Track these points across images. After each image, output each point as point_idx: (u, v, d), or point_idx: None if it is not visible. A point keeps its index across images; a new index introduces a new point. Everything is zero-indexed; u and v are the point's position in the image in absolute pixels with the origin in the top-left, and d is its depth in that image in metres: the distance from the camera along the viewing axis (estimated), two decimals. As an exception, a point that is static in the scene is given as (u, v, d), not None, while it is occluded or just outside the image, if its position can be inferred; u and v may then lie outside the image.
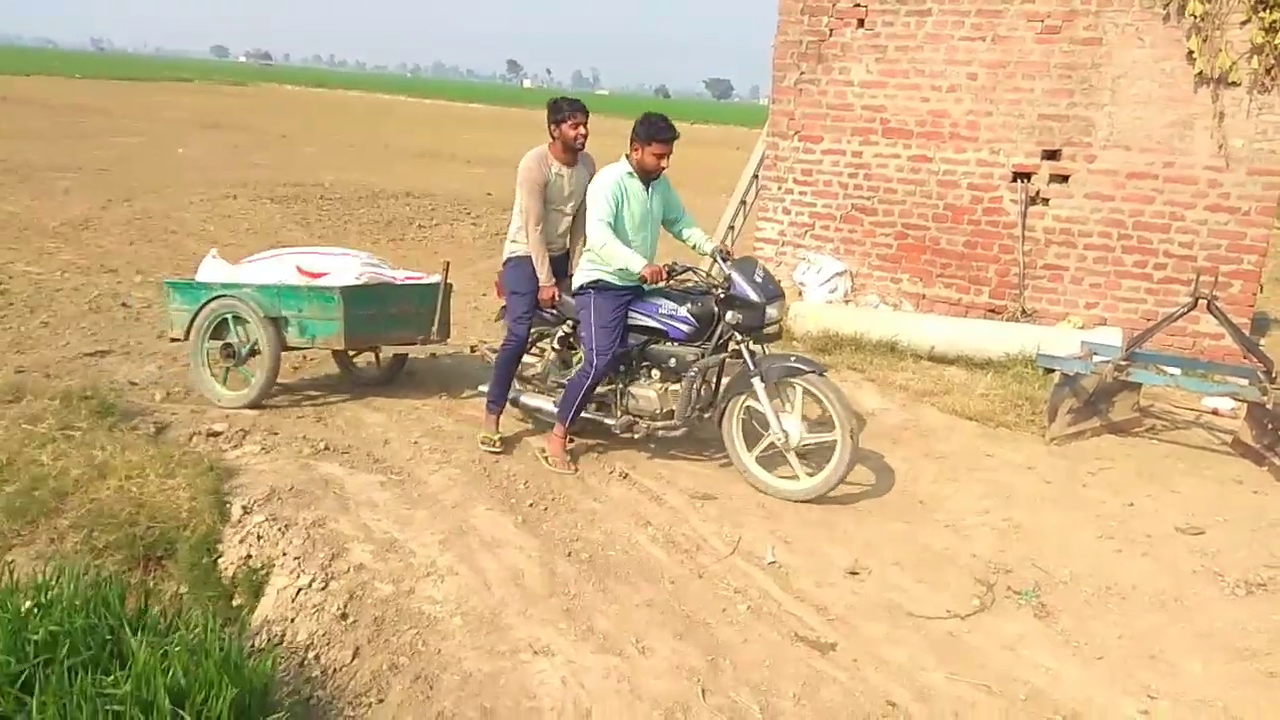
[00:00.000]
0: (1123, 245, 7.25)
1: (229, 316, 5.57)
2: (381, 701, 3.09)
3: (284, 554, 3.78)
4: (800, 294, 8.26)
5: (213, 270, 5.96)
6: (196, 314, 5.64)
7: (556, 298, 5.07)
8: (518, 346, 5.15)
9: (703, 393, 4.94)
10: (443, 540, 3.96)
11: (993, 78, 7.47)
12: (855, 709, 3.11)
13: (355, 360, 6.38)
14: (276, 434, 5.00)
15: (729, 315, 4.74)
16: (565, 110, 5.03)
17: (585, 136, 5.07)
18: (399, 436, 5.15)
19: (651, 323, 4.91)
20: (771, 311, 4.73)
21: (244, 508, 4.05)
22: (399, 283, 5.83)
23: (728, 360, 4.94)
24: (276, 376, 5.55)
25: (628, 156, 4.85)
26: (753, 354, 4.75)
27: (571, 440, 5.10)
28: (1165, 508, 4.79)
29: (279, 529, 3.92)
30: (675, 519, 4.42)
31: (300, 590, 3.60)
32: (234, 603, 3.77)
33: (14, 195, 12.99)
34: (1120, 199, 7.19)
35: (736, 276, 4.72)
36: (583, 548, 4.05)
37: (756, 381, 4.67)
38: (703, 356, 4.83)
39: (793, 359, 4.77)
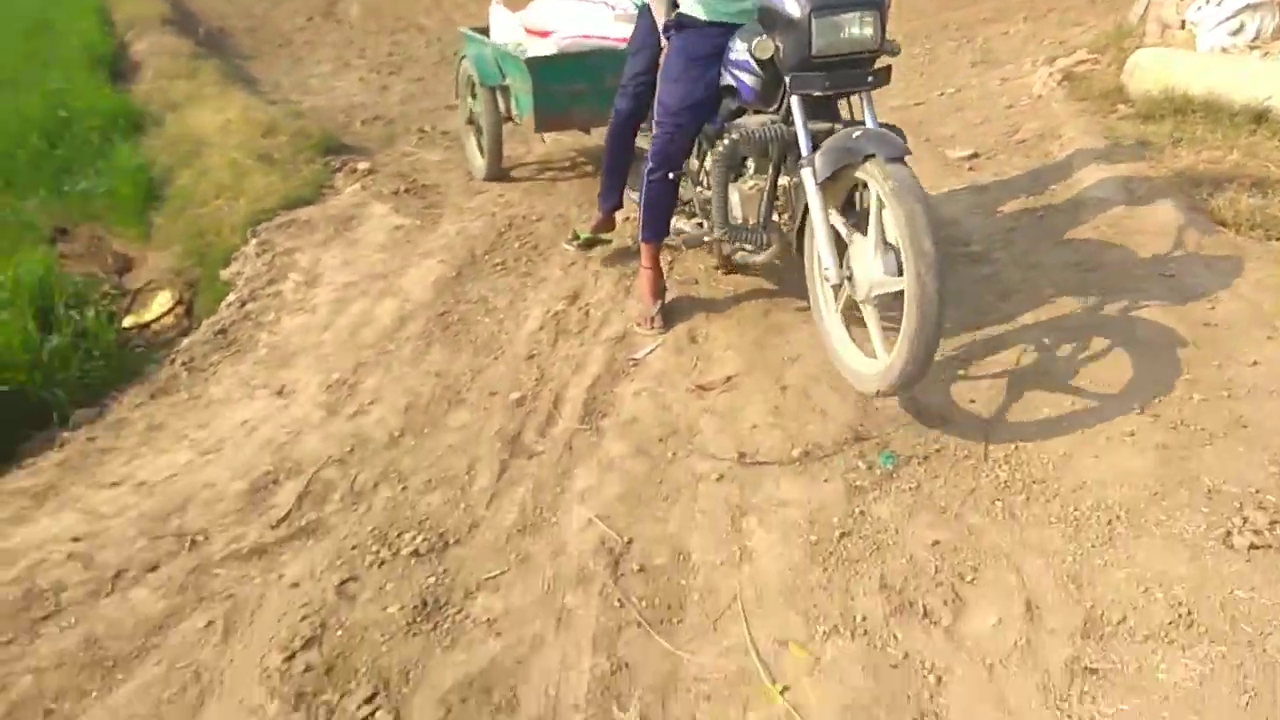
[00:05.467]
0: None
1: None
2: None
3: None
4: (1194, 39, 5.75)
5: (495, 20, 5.11)
6: (457, 69, 5.24)
7: None
8: (618, 123, 3.83)
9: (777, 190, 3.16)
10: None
11: None
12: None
13: None
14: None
15: (753, 44, 2.86)
16: None
17: None
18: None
19: (728, 79, 3.21)
20: (829, 34, 2.71)
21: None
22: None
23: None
24: (500, 154, 5.03)
25: None
26: (833, 118, 2.95)
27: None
28: None
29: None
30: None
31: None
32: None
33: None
34: None
35: None
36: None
37: (806, 173, 2.81)
38: (772, 124, 3.02)
39: (858, 133, 2.71)
